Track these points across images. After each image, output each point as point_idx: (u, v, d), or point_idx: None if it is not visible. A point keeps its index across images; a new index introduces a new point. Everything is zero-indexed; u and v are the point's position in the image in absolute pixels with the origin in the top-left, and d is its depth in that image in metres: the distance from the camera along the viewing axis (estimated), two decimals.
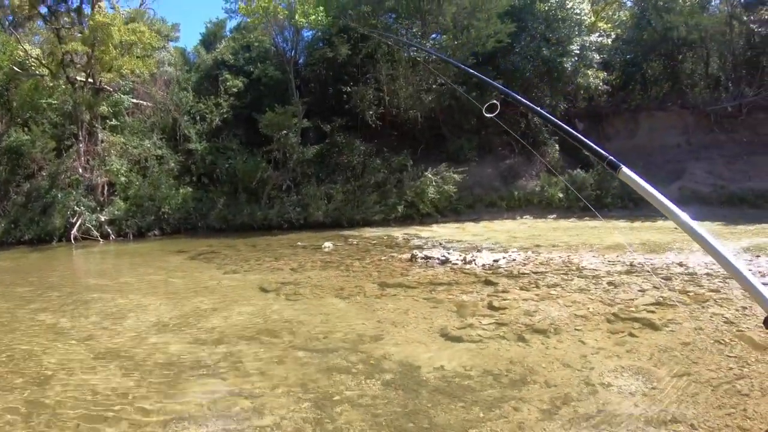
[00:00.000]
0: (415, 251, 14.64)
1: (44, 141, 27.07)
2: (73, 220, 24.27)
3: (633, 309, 8.52)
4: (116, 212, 24.92)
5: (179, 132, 27.55)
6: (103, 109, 27.21)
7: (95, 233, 24.21)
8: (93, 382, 6.83)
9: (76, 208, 24.40)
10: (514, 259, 13.24)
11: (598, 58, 28.25)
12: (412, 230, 21.71)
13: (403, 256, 14.68)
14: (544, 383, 5.85)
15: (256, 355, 7.27)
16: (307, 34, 29.33)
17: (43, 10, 27.35)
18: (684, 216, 1.27)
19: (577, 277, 11.17)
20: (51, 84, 26.68)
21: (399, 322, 8.43)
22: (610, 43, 29.51)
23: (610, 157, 1.64)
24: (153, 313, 10.16)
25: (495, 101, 3.04)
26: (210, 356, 7.36)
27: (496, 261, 12.98)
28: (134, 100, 28.94)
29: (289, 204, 24.75)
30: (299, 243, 18.89)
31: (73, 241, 23.77)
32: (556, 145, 27.12)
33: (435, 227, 22.76)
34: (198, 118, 27.97)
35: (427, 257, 13.81)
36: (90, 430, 5.56)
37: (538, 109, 2.42)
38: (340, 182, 25.33)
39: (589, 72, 27.43)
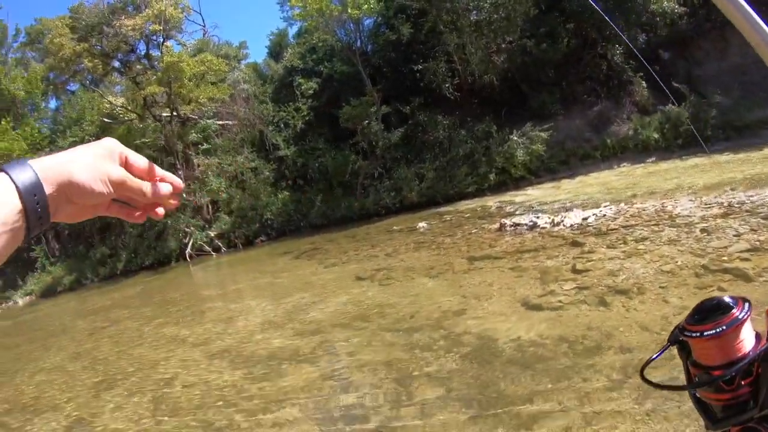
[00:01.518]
0: (504, 220, 14.47)
1: None
2: (186, 241, 26.35)
3: (725, 258, 7.76)
4: (223, 226, 26.76)
5: (267, 142, 28.88)
6: (193, 136, 29.26)
7: (207, 248, 26.18)
8: (207, 378, 7.87)
9: (186, 229, 26.43)
10: (605, 215, 12.71)
11: None
12: (507, 197, 21.26)
13: (493, 226, 14.59)
14: (618, 349, 5.68)
15: (348, 340, 7.83)
16: (367, 22, 29.48)
17: (116, 63, 29.68)
18: None
19: (669, 226, 10.46)
20: (141, 125, 29.17)
21: (482, 295, 8.59)
22: None
23: None
24: (260, 314, 11.11)
25: None
26: (307, 345, 8.03)
27: (585, 219, 12.54)
28: (219, 122, 30.65)
29: (383, 190, 25.15)
30: (395, 227, 19.25)
31: (188, 259, 25.90)
32: (643, 82, 25.42)
33: (530, 190, 22.16)
34: (282, 125, 29.15)
35: (515, 224, 13.66)
36: (204, 416, 6.53)
37: None
38: (429, 160, 25.23)
39: None
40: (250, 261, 21.53)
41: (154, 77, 26.89)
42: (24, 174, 0.67)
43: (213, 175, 28.04)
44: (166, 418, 6.78)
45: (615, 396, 4.81)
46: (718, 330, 0.84)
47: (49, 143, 33.91)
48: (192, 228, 26.65)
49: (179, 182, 0.87)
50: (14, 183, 0.66)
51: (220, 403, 6.77)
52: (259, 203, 26.79)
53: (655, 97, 24.88)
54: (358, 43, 29.28)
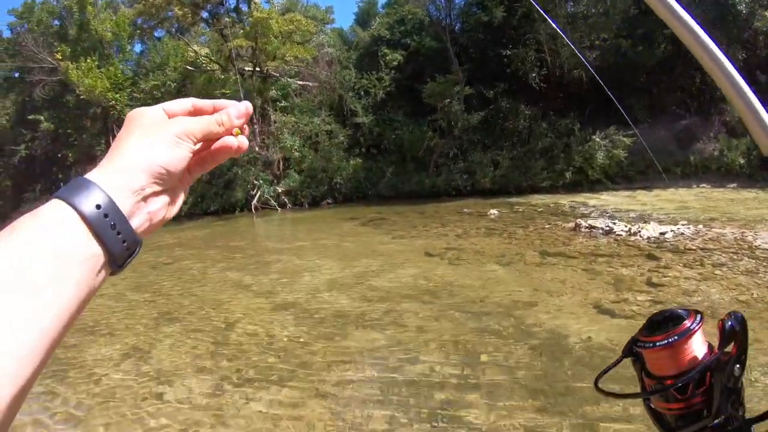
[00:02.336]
0: (580, 220, 14.23)
1: None
2: (253, 192, 27.09)
3: None
4: (292, 184, 27.33)
5: (346, 107, 29.13)
6: (273, 93, 29.91)
7: (273, 203, 26.87)
8: (270, 328, 8.05)
9: (255, 181, 27.16)
10: (683, 233, 12.31)
11: None
12: (580, 198, 20.77)
13: (567, 224, 14.36)
14: None
15: (416, 312, 7.85)
16: (459, 0, 29.22)
17: (205, 14, 30.54)
18: None
19: (748, 257, 10.07)
20: (222, 77, 30.03)
21: (554, 291, 8.52)
22: None
23: None
24: (326, 273, 11.27)
25: None
26: (374, 311, 8.14)
27: (662, 234, 12.21)
28: (300, 83, 31.13)
29: (456, 171, 25.07)
30: (465, 210, 19.15)
31: (253, 211, 26.69)
32: None
33: (604, 195, 21.49)
34: (362, 93, 29.33)
35: (591, 227, 13.43)
36: (265, 365, 6.68)
37: None
38: (506, 148, 24.87)
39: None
40: (315, 221, 21.88)
41: (242, 31, 27.49)
42: (77, 189, 0.55)
43: (288, 132, 28.56)
44: (224, 362, 6.93)
45: None
46: (669, 340, 0.85)
47: (131, 84, 35.39)
48: (261, 181, 27.30)
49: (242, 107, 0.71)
50: (65, 201, 0.54)
51: (282, 354, 6.90)
52: (330, 166, 27.19)
53: None
54: (448, 20, 29.05)
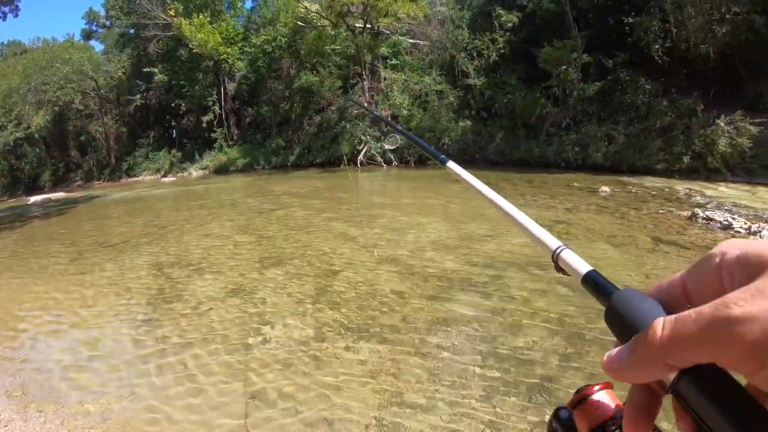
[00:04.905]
0: (697, 210, 13.28)
1: (331, 81, 31.88)
2: (360, 147, 27.33)
3: None
4: (399, 141, 27.25)
5: (457, 68, 28.69)
6: (383, 50, 29.94)
7: (379, 159, 27.07)
8: (373, 281, 8.19)
9: (362, 137, 27.64)
10: None
11: None
12: (696, 185, 19.07)
13: (683, 213, 13.41)
14: None
15: (522, 283, 7.75)
16: None
17: None
18: (502, 201, 1.06)
19: None
20: (333, 32, 30.43)
21: None
22: None
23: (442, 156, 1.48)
24: (431, 232, 11.33)
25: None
26: (479, 276, 8.09)
27: None
28: (411, 41, 30.93)
29: (568, 143, 23.92)
30: (575, 183, 18.55)
31: (358, 165, 27.15)
32: None
33: (722, 186, 19.30)
34: (475, 54, 28.64)
35: (708, 218, 12.51)
36: (366, 316, 6.82)
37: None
38: (622, 123, 23.27)
39: None
40: (420, 180, 21.98)
41: None
42: None
43: (397, 90, 28.59)
44: (326, 308, 7.16)
45: None
46: None
47: (242, 39, 37.74)
48: (368, 137, 27.62)
49: None
50: None
51: (385, 309, 7.01)
52: (438, 126, 27.05)
53: None
54: None
